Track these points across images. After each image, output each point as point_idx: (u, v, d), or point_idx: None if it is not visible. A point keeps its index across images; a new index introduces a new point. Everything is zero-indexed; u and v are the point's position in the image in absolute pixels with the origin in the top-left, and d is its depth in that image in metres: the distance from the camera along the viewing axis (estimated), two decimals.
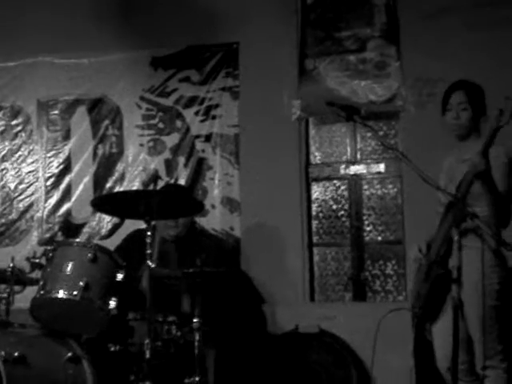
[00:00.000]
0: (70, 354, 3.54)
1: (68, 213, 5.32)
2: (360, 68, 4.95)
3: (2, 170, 5.45)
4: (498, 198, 3.23)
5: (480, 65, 4.56)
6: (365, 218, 5.11)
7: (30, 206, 5.38)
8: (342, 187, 5.19)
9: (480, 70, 4.44)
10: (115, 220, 5.19)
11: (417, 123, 4.71)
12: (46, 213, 5.34)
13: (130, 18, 5.27)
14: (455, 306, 3.01)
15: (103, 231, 5.25)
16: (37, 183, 5.40)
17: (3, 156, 5.46)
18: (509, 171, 3.32)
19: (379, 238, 5.08)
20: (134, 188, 5.16)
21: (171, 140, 5.24)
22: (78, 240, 4.90)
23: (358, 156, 5.17)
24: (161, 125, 5.28)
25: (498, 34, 4.66)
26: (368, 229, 5.10)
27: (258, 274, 4.94)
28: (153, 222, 3.50)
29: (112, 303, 3.54)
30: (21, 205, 5.39)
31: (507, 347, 3.31)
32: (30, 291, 3.70)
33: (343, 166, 5.18)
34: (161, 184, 5.14)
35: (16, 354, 3.31)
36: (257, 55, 5.11)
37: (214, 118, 5.19)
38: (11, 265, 3.68)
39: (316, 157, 5.25)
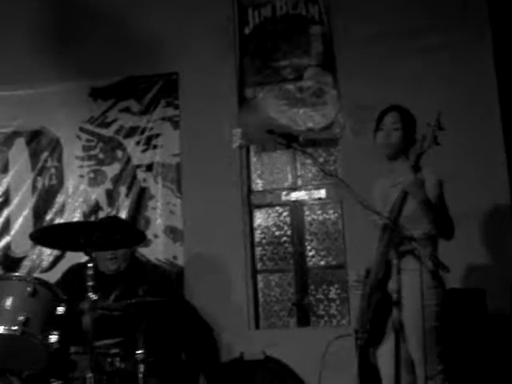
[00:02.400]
0: None
1: (7, 246, 5.23)
2: (298, 96, 5.03)
3: None
4: (435, 211, 3.30)
5: (413, 89, 4.69)
6: (307, 243, 5.16)
7: None
8: (284, 213, 5.24)
9: (413, 94, 4.57)
10: (56, 252, 5.12)
11: (355, 149, 4.79)
12: None
13: (68, 48, 5.25)
14: (396, 329, 3.06)
15: (44, 264, 5.17)
16: None
17: None
18: (439, 192, 3.41)
19: (322, 263, 5.13)
20: (75, 220, 5.10)
21: (112, 170, 5.22)
22: (16, 274, 4.76)
23: (299, 182, 5.23)
24: (101, 155, 5.25)
25: (431, 59, 4.80)
26: (311, 254, 5.15)
27: (202, 302, 4.91)
28: (93, 254, 3.46)
29: (53, 337, 3.47)
30: None
31: (448, 367, 3.37)
32: None
33: (284, 193, 5.23)
34: (102, 215, 5.12)
35: None
36: (196, 85, 5.15)
37: (155, 147, 5.19)
38: None
39: (258, 184, 5.29)
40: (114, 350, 3.70)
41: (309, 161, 5.13)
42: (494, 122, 4.72)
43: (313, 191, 5.19)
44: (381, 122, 3.51)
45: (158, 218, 5.14)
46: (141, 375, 3.53)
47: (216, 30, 5.18)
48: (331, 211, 5.17)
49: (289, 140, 3.28)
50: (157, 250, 5.08)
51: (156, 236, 5.10)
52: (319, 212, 5.19)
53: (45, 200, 5.25)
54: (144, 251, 4.96)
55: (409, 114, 3.52)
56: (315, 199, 5.18)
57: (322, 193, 5.17)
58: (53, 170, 5.28)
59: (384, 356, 3.38)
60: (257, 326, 5.07)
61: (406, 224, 3.23)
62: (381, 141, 3.50)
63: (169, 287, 4.50)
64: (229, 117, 5.09)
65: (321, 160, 5.13)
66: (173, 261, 5.06)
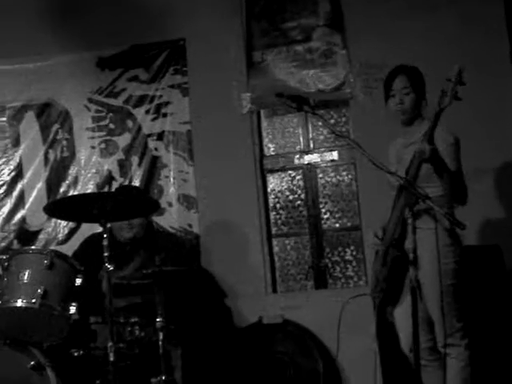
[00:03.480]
0: (33, 363, 3.51)
1: (23, 220, 5.25)
2: (307, 58, 4.98)
3: None
4: (451, 177, 3.28)
5: (423, 48, 4.63)
6: (321, 206, 5.15)
7: None
8: (297, 177, 5.22)
9: (423, 52, 4.51)
10: (71, 224, 5.14)
11: (366, 109, 4.75)
12: (0, 221, 5.26)
13: (74, 19, 5.20)
14: (412, 288, 3.06)
15: (60, 236, 5.20)
16: None
17: None
18: (456, 150, 3.37)
19: (337, 225, 5.13)
20: (88, 191, 5.11)
21: (123, 140, 5.21)
22: (33, 247, 4.84)
23: (311, 145, 5.20)
24: (112, 125, 5.24)
25: (438, 16, 4.72)
26: (325, 217, 5.14)
27: (219, 269, 4.95)
28: (109, 225, 3.47)
29: (72, 308, 3.52)
30: None
31: (467, 324, 3.38)
32: None
33: (297, 156, 5.20)
34: (115, 185, 5.12)
35: None
36: (204, 50, 5.09)
37: (165, 115, 5.16)
38: None
39: (270, 148, 5.26)
40: (133, 319, 3.73)
41: (320, 123, 5.09)
42: (507, 77, 4.66)
43: (325, 153, 5.16)
44: (390, 88, 3.45)
45: (171, 187, 5.14)
46: (160, 343, 3.57)
47: None
48: (344, 173, 5.15)
49: (299, 103, 3.25)
50: (171, 218, 5.08)
51: (170, 204, 5.10)
52: (332, 174, 5.17)
53: (57, 172, 5.25)
54: (159, 220, 4.97)
55: (417, 74, 3.46)
56: (328, 161, 5.15)
57: (335, 155, 5.13)
58: (64, 142, 5.27)
59: (401, 315, 3.39)
60: (274, 290, 5.09)
61: (421, 183, 3.21)
62: (394, 107, 3.44)
63: (185, 255, 4.52)
64: (238, 81, 5.04)
65: (332, 121, 5.09)
66: (188, 228, 5.07)
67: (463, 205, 3.37)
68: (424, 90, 3.44)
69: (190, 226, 5.08)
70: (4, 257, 3.67)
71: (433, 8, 4.73)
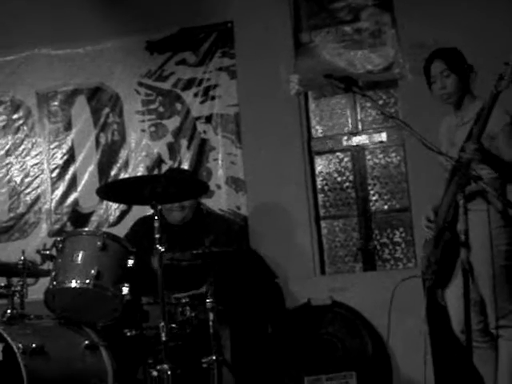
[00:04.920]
0: (87, 342, 3.59)
1: (75, 203, 5.35)
2: (356, 38, 4.93)
3: (7, 164, 5.48)
4: (504, 168, 3.23)
5: (476, 28, 4.54)
6: (370, 187, 5.12)
7: (37, 198, 5.41)
8: (346, 159, 5.19)
9: (476, 33, 4.44)
10: (123, 207, 5.22)
11: (415, 90, 4.66)
12: (53, 204, 5.38)
13: (122, 3, 5.25)
14: (464, 269, 3.03)
15: (111, 219, 5.28)
16: (42, 175, 5.42)
17: (7, 151, 5.49)
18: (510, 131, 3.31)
19: (385, 207, 5.10)
20: (139, 174, 5.17)
21: (172, 123, 5.25)
22: (86, 229, 4.92)
23: (360, 127, 5.17)
24: (161, 109, 5.28)
25: None
26: (374, 198, 5.12)
27: (267, 250, 4.96)
28: (159, 207, 3.52)
29: (125, 289, 3.58)
30: (28, 198, 5.42)
31: None
32: (43, 283, 3.75)
33: (345, 138, 5.18)
34: (165, 168, 5.18)
35: (33, 345, 3.37)
36: (251, 33, 5.09)
37: (213, 98, 5.18)
38: (22, 258, 3.72)
39: (317, 130, 5.25)
40: (184, 300, 3.78)
41: (369, 104, 5.05)
42: None
43: (374, 135, 5.12)
44: (430, 75, 3.41)
45: (219, 169, 5.17)
46: (211, 323, 3.61)
47: None
48: (393, 154, 5.10)
49: (348, 83, 3.22)
50: (220, 200, 5.12)
51: (219, 187, 5.14)
52: (381, 156, 5.13)
53: (109, 155, 5.32)
54: (207, 202, 5.00)
55: (453, 54, 3.40)
56: (376, 143, 5.12)
57: (384, 136, 5.09)
58: (115, 126, 5.34)
59: (452, 297, 3.37)
60: (322, 272, 5.09)
61: (473, 164, 3.16)
62: (438, 93, 3.40)
63: (234, 237, 4.54)
64: (285, 63, 5.03)
65: (380, 102, 5.04)
66: (236, 210, 5.10)
67: None
68: (465, 69, 3.37)
69: (239, 207, 5.11)
70: (58, 239, 3.74)
71: None
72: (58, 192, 5.37)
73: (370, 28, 4.91)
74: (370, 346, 4.54)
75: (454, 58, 3.39)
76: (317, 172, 5.21)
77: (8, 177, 5.46)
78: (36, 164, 5.44)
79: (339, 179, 5.20)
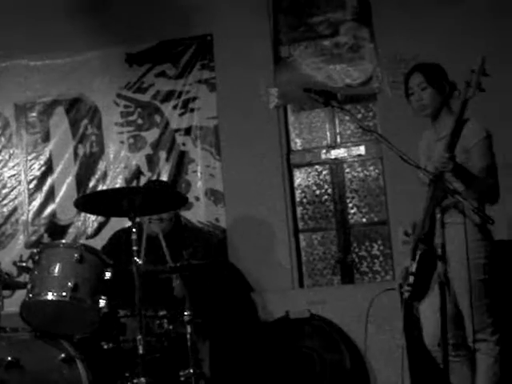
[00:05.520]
0: (63, 355, 3.54)
1: (53, 214, 5.32)
2: (334, 52, 4.97)
3: None
4: (478, 182, 3.26)
5: (450, 41, 4.60)
6: (348, 200, 5.14)
7: (15, 209, 5.37)
8: (324, 172, 5.22)
9: (450, 46, 4.49)
10: (100, 219, 5.19)
11: (394, 104, 4.73)
12: (30, 215, 5.34)
13: (102, 15, 5.25)
14: (441, 283, 3.05)
15: (89, 230, 5.25)
16: (19, 186, 5.39)
17: None
18: (489, 145, 3.35)
19: (364, 220, 5.12)
20: (117, 186, 5.16)
21: (151, 135, 5.25)
22: (63, 241, 4.89)
23: (338, 140, 5.20)
24: (140, 121, 5.28)
25: (466, 9, 4.69)
26: (352, 211, 5.14)
27: (246, 263, 4.96)
28: (137, 219, 3.50)
29: (102, 302, 3.55)
30: (5, 209, 5.38)
31: (497, 320, 3.35)
32: (19, 295, 3.71)
33: (324, 151, 5.20)
34: (143, 180, 5.16)
35: (9, 358, 3.32)
36: (231, 46, 5.11)
37: (192, 110, 5.19)
38: None
39: (296, 143, 5.27)
40: (161, 312, 3.76)
41: (347, 118, 5.08)
42: None
43: (352, 148, 5.15)
44: (408, 87, 3.46)
45: (198, 181, 5.17)
46: (189, 336, 3.59)
47: None
48: (372, 167, 5.14)
49: (326, 97, 3.25)
50: (199, 212, 5.12)
51: (197, 199, 5.13)
52: (359, 169, 5.16)
53: (87, 167, 5.31)
54: (186, 214, 5.00)
55: (432, 69, 3.45)
56: (355, 156, 5.14)
57: (362, 149, 5.13)
58: (93, 137, 5.32)
59: (427, 310, 3.38)
60: (301, 285, 5.09)
61: (450, 178, 3.19)
62: (415, 104, 3.45)
63: (212, 249, 4.54)
64: (265, 76, 5.05)
65: (359, 116, 5.08)
66: (215, 223, 5.10)
67: (494, 203, 3.35)
68: (443, 84, 3.41)
69: (218, 220, 5.10)
70: (35, 250, 3.70)
71: (460, 0, 4.69)
72: (36, 203, 5.34)
73: (349, 42, 4.95)
74: (347, 360, 4.54)
75: (432, 71, 3.44)
76: (296, 185, 5.22)
77: None
78: (13, 175, 5.41)
79: (318, 192, 5.22)
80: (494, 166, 3.35)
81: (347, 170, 5.17)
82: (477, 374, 3.33)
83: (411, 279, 3.38)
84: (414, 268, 3.37)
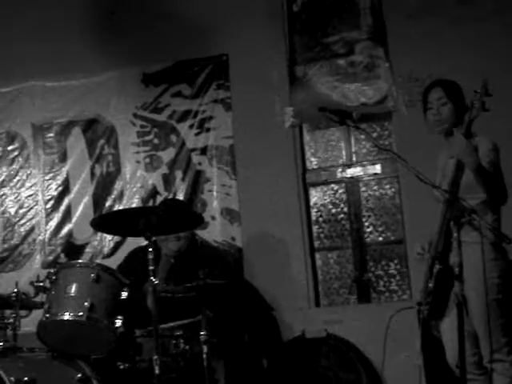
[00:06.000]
0: (79, 375, 3.54)
1: (69, 234, 5.35)
2: (350, 71, 4.98)
3: (2, 195, 5.48)
4: (490, 178, 3.25)
5: (465, 60, 4.60)
6: (364, 219, 5.13)
7: (32, 229, 5.41)
8: (340, 190, 5.21)
9: (465, 65, 4.48)
10: (117, 238, 5.21)
11: (409, 122, 4.73)
12: (47, 235, 5.37)
13: (118, 36, 5.30)
14: (458, 303, 3.02)
15: (106, 250, 5.27)
16: (37, 206, 5.43)
17: (2, 182, 5.50)
18: (496, 156, 3.34)
19: (380, 239, 5.10)
20: (134, 205, 5.18)
21: (167, 155, 5.27)
22: (80, 261, 4.89)
23: (354, 158, 5.20)
24: (156, 140, 5.31)
25: (481, 28, 4.69)
26: (368, 230, 5.12)
27: (261, 282, 4.95)
28: (153, 238, 3.51)
29: (118, 322, 3.55)
30: (22, 229, 5.42)
31: None
32: (36, 315, 3.72)
33: (340, 170, 5.20)
34: (159, 199, 5.18)
35: (26, 378, 3.33)
36: (247, 65, 5.14)
37: (208, 130, 5.21)
38: (16, 290, 3.70)
39: (312, 162, 5.27)
40: (177, 332, 3.76)
41: (363, 136, 5.08)
42: None
43: (368, 167, 5.15)
44: (427, 101, 3.45)
45: (214, 201, 5.18)
46: (205, 356, 3.58)
47: (264, 9, 5.15)
48: (388, 186, 5.13)
49: (342, 117, 3.26)
50: (214, 231, 5.12)
51: (213, 218, 5.14)
52: (375, 187, 5.15)
53: (103, 187, 5.34)
54: (202, 233, 5.00)
55: (453, 86, 3.45)
56: (371, 175, 5.14)
57: (378, 168, 5.12)
58: (110, 157, 5.36)
59: (447, 329, 3.35)
60: (317, 304, 5.08)
61: (463, 194, 3.18)
62: (432, 119, 3.44)
63: (228, 268, 4.53)
64: (280, 96, 5.07)
65: (374, 135, 5.08)
66: (231, 242, 5.10)
67: (504, 203, 3.33)
68: (462, 102, 3.42)
69: (233, 239, 5.11)
70: (51, 270, 3.72)
71: (476, 20, 4.70)
72: (53, 223, 5.37)
73: (364, 61, 4.96)
74: (364, 379, 4.51)
75: (452, 87, 3.44)
76: (311, 203, 5.22)
77: (2, 208, 5.47)
78: (31, 195, 5.45)
79: (334, 211, 5.21)
80: (500, 175, 3.34)
81: (363, 189, 5.17)
82: None
83: (429, 298, 3.36)
84: (431, 286, 3.35)
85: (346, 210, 5.18)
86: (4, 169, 5.50)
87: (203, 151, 5.21)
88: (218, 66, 5.21)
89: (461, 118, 3.41)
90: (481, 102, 3.19)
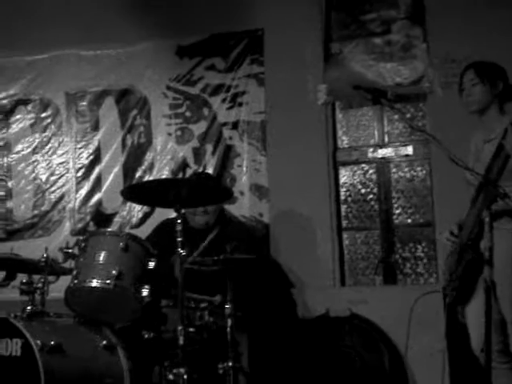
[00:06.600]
0: (105, 342, 3.59)
1: (99, 203, 5.38)
2: (386, 50, 4.92)
3: (34, 162, 5.52)
4: None
5: (505, 42, 4.52)
6: (394, 201, 5.09)
7: (62, 197, 5.45)
8: (370, 171, 5.17)
9: (504, 47, 4.40)
10: (146, 209, 5.23)
11: (444, 104, 4.67)
12: (77, 203, 5.41)
13: (154, 7, 5.28)
14: (487, 288, 3.00)
15: (134, 220, 5.30)
16: (68, 174, 5.46)
17: (34, 148, 5.53)
18: None
19: (409, 221, 5.06)
20: (163, 177, 5.19)
21: (199, 128, 5.27)
22: (109, 229, 4.96)
23: (386, 139, 5.15)
24: (188, 113, 5.30)
25: None
26: (397, 212, 5.09)
27: (287, 259, 4.95)
28: (182, 210, 3.52)
29: (145, 291, 3.58)
30: (52, 196, 5.46)
31: None
32: (64, 281, 3.76)
33: (371, 150, 5.16)
34: (189, 172, 5.19)
35: (52, 342, 3.38)
36: (282, 41, 5.10)
37: (240, 105, 5.19)
38: (45, 255, 3.73)
39: (343, 141, 5.24)
40: (203, 304, 3.78)
41: (396, 117, 5.03)
42: None
43: (400, 148, 5.10)
44: (462, 83, 3.44)
45: (243, 176, 5.17)
46: (229, 329, 3.60)
47: None
48: (419, 168, 5.08)
49: (376, 95, 3.22)
50: (243, 207, 5.12)
51: (242, 193, 5.14)
52: (406, 169, 5.10)
53: (134, 157, 5.35)
54: (230, 208, 5.01)
55: (487, 66, 3.41)
56: (402, 156, 5.09)
57: (410, 150, 5.07)
58: (141, 128, 5.37)
59: (473, 315, 3.33)
60: (342, 283, 5.07)
61: (503, 181, 3.14)
62: (464, 99, 3.43)
63: (255, 244, 4.54)
64: (314, 73, 5.03)
65: (408, 116, 5.02)
66: (259, 218, 5.10)
67: None
68: (495, 82, 3.37)
69: (261, 215, 5.10)
70: (81, 237, 3.76)
71: None
72: (83, 191, 5.41)
73: (401, 41, 4.90)
74: (387, 361, 4.50)
75: (485, 69, 3.41)
76: (341, 183, 5.19)
77: (34, 174, 5.51)
78: (62, 163, 5.49)
79: (363, 191, 5.18)
80: None
81: (394, 170, 5.12)
82: None
83: (456, 283, 3.34)
84: (460, 272, 3.33)
85: (375, 190, 5.15)
86: (37, 135, 5.53)
87: (234, 126, 5.20)
88: (253, 41, 5.17)
89: (498, 98, 3.36)
90: None
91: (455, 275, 3.36)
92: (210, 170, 5.18)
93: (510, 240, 3.17)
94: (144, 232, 4.63)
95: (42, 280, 3.71)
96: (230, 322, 3.61)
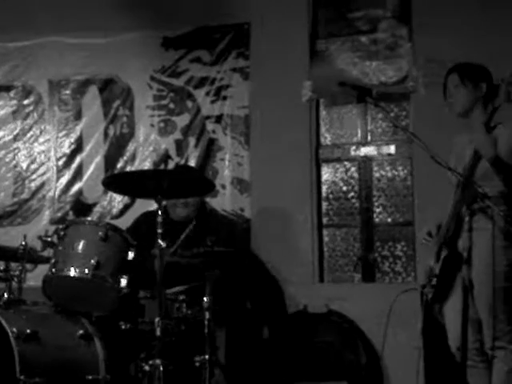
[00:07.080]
0: (81, 332, 3.57)
1: (79, 192, 5.35)
2: (371, 49, 4.93)
3: (14, 149, 5.48)
4: (508, 171, 3.23)
5: (491, 44, 4.54)
6: (375, 199, 5.11)
7: (42, 185, 5.41)
8: (352, 169, 5.19)
9: (491, 49, 4.43)
10: (126, 200, 5.21)
11: (427, 104, 4.69)
12: (57, 192, 5.38)
13: None
14: (465, 287, 3.02)
15: (114, 211, 5.28)
16: (48, 163, 5.42)
17: (15, 136, 5.49)
18: None
19: (389, 220, 5.09)
20: (145, 168, 5.17)
21: (182, 120, 5.25)
22: (89, 219, 4.94)
23: (369, 137, 5.17)
24: (171, 105, 5.29)
25: (507, 11, 4.63)
26: (378, 210, 5.11)
27: (268, 254, 4.96)
28: (164, 202, 3.51)
29: (123, 281, 3.57)
30: (33, 184, 5.42)
31: None
32: (42, 269, 3.74)
33: (353, 148, 5.18)
34: (171, 164, 5.18)
35: (28, 330, 3.36)
36: (268, 36, 5.10)
37: (224, 98, 5.19)
38: (23, 243, 3.71)
39: (326, 138, 5.24)
40: (181, 297, 3.77)
41: (380, 115, 5.05)
42: None
43: (382, 147, 5.12)
44: (446, 86, 3.46)
45: (225, 169, 5.17)
46: (206, 322, 3.60)
47: None
48: (400, 167, 5.10)
49: (361, 93, 3.24)
50: (224, 201, 5.12)
51: (223, 187, 5.13)
52: (388, 168, 5.13)
53: (116, 148, 5.32)
54: (211, 202, 5.00)
55: (470, 69, 3.42)
56: (385, 155, 5.11)
57: (392, 148, 5.09)
58: (124, 119, 5.34)
59: (451, 313, 3.35)
60: (321, 280, 5.08)
61: (479, 181, 3.16)
62: (448, 102, 3.44)
63: (236, 238, 4.54)
64: (299, 69, 5.03)
65: (392, 115, 5.04)
66: (240, 212, 5.10)
67: None
68: (478, 84, 3.38)
69: (242, 209, 5.10)
70: (60, 226, 3.74)
71: (502, 2, 4.63)
72: (63, 180, 5.37)
73: (387, 40, 4.92)
74: (363, 357, 4.53)
75: (468, 71, 3.42)
76: (323, 180, 5.20)
77: (14, 162, 5.46)
78: (43, 151, 5.45)
79: (344, 188, 5.19)
80: None
81: (375, 169, 5.14)
82: (492, 381, 3.30)
83: (434, 281, 3.36)
84: (437, 270, 3.35)
85: (356, 188, 5.17)
86: (18, 123, 5.48)
87: (218, 119, 5.19)
88: (239, 35, 5.17)
89: (482, 100, 3.38)
90: (506, 91, 3.15)
91: (432, 273, 3.38)
92: (192, 163, 5.17)
93: (489, 240, 3.18)
94: (124, 223, 4.60)
95: (20, 268, 3.69)
96: (207, 315, 3.60)
